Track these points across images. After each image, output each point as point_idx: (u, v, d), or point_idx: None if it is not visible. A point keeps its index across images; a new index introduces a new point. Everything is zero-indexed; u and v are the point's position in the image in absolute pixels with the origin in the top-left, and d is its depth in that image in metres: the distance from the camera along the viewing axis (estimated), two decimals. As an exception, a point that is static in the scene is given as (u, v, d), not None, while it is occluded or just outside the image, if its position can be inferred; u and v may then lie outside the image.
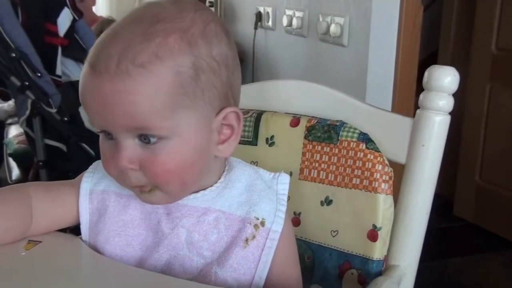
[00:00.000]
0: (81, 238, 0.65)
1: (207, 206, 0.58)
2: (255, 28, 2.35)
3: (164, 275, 0.56)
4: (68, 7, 1.93)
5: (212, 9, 2.12)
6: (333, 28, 1.77)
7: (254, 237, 0.57)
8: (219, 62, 0.54)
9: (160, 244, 0.59)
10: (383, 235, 0.69)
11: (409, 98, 1.69)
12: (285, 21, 2.11)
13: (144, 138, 0.52)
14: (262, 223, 0.58)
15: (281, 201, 0.60)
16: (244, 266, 0.57)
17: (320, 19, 1.86)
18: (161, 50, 0.50)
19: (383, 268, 0.70)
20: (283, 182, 0.62)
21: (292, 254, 0.62)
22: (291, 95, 0.78)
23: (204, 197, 0.59)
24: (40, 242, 0.65)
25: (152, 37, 0.51)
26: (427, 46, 3.16)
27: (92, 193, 0.63)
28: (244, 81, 1.98)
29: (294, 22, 2.04)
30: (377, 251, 0.69)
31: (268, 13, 2.28)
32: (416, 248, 0.71)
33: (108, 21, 2.98)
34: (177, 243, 0.58)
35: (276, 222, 0.58)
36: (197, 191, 0.59)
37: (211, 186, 0.59)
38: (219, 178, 0.60)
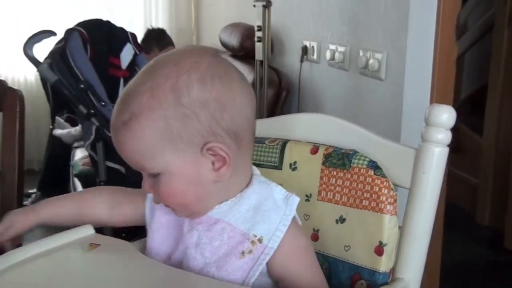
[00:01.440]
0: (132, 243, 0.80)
1: (219, 217, 0.71)
2: (301, 61, 2.49)
3: (205, 278, 0.69)
4: (130, 43, 2.14)
5: (260, 44, 2.27)
6: (371, 62, 1.89)
7: (250, 251, 0.68)
8: (192, 108, 0.65)
9: (179, 241, 0.72)
10: (388, 250, 0.79)
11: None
12: (328, 55, 2.24)
13: (151, 174, 0.69)
14: (260, 240, 0.68)
15: (284, 221, 0.70)
16: (237, 273, 0.68)
17: (360, 54, 1.98)
18: (136, 109, 0.65)
19: (389, 280, 0.80)
20: (292, 203, 0.72)
21: (298, 261, 0.71)
22: (312, 126, 0.91)
23: (219, 210, 0.71)
24: (99, 245, 0.79)
25: (133, 98, 0.66)
26: (477, 79, 3.20)
27: (151, 200, 0.78)
28: (290, 110, 2.12)
29: (337, 56, 2.16)
30: (383, 265, 0.79)
31: (313, 47, 2.42)
32: (419, 263, 0.81)
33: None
34: (189, 243, 0.71)
35: (273, 240, 0.68)
36: (220, 203, 0.72)
37: (227, 200, 0.71)
38: (237, 194, 0.72)
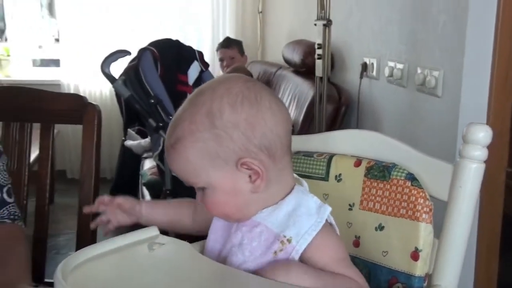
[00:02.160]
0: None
1: (260, 221, 0.79)
2: (361, 77, 2.54)
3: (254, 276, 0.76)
4: (197, 61, 2.28)
5: (320, 61, 2.35)
6: (429, 79, 1.92)
7: (281, 250, 0.76)
8: (225, 130, 0.75)
9: (228, 240, 0.82)
10: (424, 256, 0.85)
11: (501, 148, 1.77)
12: (387, 72, 2.29)
13: (198, 188, 0.79)
14: (289, 241, 0.76)
15: (315, 227, 0.76)
16: None
17: (418, 71, 2.02)
18: (180, 134, 0.77)
19: (425, 284, 0.86)
20: (324, 212, 0.78)
21: (323, 262, 0.76)
22: (356, 142, 0.98)
23: (260, 214, 0.79)
24: (163, 244, 0.89)
25: (178, 123, 0.78)
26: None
27: None
28: (349, 125, 2.19)
29: (395, 73, 2.21)
30: (419, 269, 0.85)
31: (372, 64, 2.47)
32: (455, 270, 0.86)
33: (239, 68, 3.35)
34: (234, 242, 0.80)
35: (301, 243, 0.75)
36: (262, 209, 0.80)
37: (268, 207, 0.80)
38: (277, 201, 0.80)
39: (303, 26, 3.44)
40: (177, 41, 2.36)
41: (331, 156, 0.99)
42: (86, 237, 1.28)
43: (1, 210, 1.09)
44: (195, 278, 0.78)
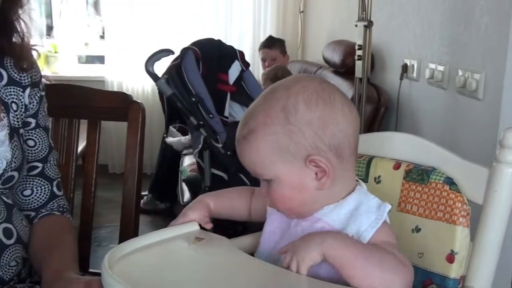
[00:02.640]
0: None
1: (320, 217, 0.81)
2: (401, 78, 2.53)
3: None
4: (238, 60, 2.31)
5: (360, 62, 2.36)
6: (470, 82, 1.90)
7: None
8: (298, 126, 0.77)
9: (286, 233, 0.84)
10: (459, 259, 0.86)
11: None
12: (427, 74, 2.27)
13: (264, 179, 0.82)
14: (353, 236, 0.78)
15: (374, 224, 0.79)
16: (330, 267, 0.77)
17: (459, 73, 2.00)
18: (253, 126, 0.79)
19: (460, 286, 0.87)
20: (384, 210, 0.81)
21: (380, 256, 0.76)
22: (396, 144, 1.00)
23: (322, 211, 0.82)
24: (203, 239, 0.92)
25: (251, 117, 0.81)
26: None
27: None
28: (388, 126, 2.19)
29: (436, 75, 2.19)
30: (454, 271, 0.87)
31: (413, 65, 2.46)
32: (488, 273, 0.87)
33: (280, 68, 3.37)
34: (294, 235, 0.82)
35: (362, 239, 0.78)
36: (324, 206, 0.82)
37: (330, 204, 0.82)
38: (339, 200, 0.82)
39: (344, 26, 3.44)
40: (219, 41, 2.41)
41: (370, 158, 1.00)
42: (128, 230, 1.33)
43: (51, 203, 1.15)
44: (232, 272, 0.80)
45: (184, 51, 2.17)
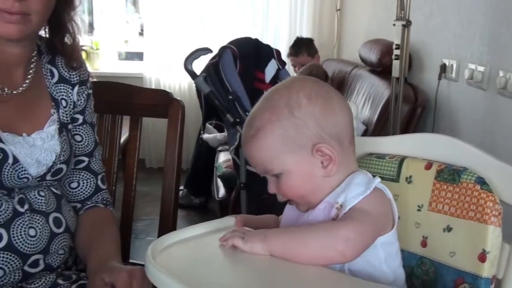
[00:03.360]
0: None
1: (322, 199, 0.87)
2: (439, 78, 2.52)
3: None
4: (274, 59, 2.35)
5: (397, 62, 2.35)
6: (511, 83, 1.88)
7: (337, 215, 0.83)
8: (303, 119, 0.84)
9: (299, 219, 0.90)
10: (491, 258, 0.87)
11: None
12: (467, 74, 2.26)
13: (273, 175, 0.86)
14: (341, 206, 0.83)
15: (358, 195, 0.82)
16: None
17: (500, 74, 1.98)
18: (260, 124, 0.85)
19: (492, 286, 0.88)
20: (372, 183, 0.84)
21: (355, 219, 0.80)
22: (428, 145, 1.01)
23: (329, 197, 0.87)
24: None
25: (257, 116, 0.86)
26: None
27: None
28: (425, 127, 2.18)
29: (476, 75, 2.17)
30: (486, 271, 0.87)
31: (452, 65, 2.44)
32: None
33: (314, 66, 3.39)
34: (304, 219, 0.88)
35: (346, 205, 0.82)
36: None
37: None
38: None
39: (381, 25, 3.42)
40: (256, 40, 2.44)
41: (402, 158, 1.02)
42: (167, 223, 1.38)
43: (96, 195, 1.21)
44: (267, 266, 0.83)
45: (222, 49, 2.22)
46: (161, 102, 1.41)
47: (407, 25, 2.27)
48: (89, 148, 1.20)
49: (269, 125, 0.85)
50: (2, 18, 0.98)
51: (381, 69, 2.98)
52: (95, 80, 1.30)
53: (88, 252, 1.09)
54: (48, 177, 1.07)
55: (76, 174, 1.19)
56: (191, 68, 2.06)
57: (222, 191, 2.82)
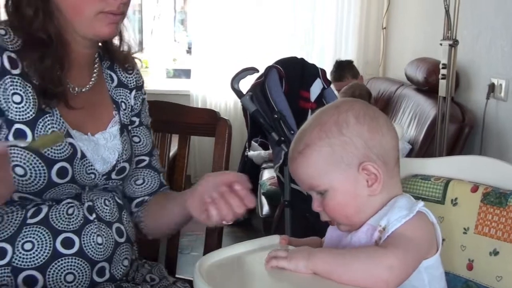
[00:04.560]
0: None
1: (364, 221, 0.88)
2: (487, 98, 2.48)
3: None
4: (320, 78, 2.37)
5: (444, 81, 2.33)
6: (561, 104, 1.85)
7: (380, 238, 0.83)
8: (351, 137, 0.86)
9: (342, 240, 0.91)
10: (539, 284, 0.87)
11: None
12: (516, 94, 2.22)
13: (319, 192, 0.87)
14: (384, 228, 0.83)
15: (401, 218, 0.82)
16: None
17: (550, 94, 1.94)
18: (308, 141, 0.87)
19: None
20: (415, 207, 0.85)
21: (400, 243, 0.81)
22: (474, 167, 1.01)
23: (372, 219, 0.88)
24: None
25: (306, 133, 0.89)
26: None
27: None
28: (472, 147, 2.15)
29: (525, 95, 2.14)
30: (534, 297, 0.87)
31: (501, 85, 2.40)
32: None
33: (357, 85, 3.39)
34: (347, 242, 0.89)
35: (389, 228, 0.83)
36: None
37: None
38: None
39: (428, 44, 3.39)
40: (302, 59, 2.47)
41: (448, 181, 1.02)
42: (212, 239, 1.41)
43: (161, 190, 1.26)
44: (312, 284, 0.84)
45: (268, 69, 2.26)
46: (208, 121, 1.46)
47: (454, 44, 2.26)
48: (148, 148, 1.27)
49: (318, 142, 0.87)
50: (106, 19, 1.05)
51: (427, 88, 2.96)
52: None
53: (167, 204, 1.18)
54: (114, 175, 1.13)
55: (140, 172, 1.25)
56: (237, 87, 2.10)
57: (266, 209, 2.84)
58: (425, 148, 2.64)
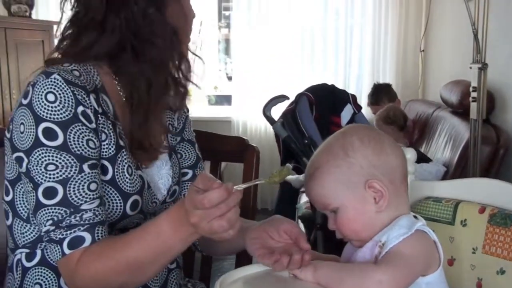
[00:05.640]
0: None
1: (373, 236, 0.93)
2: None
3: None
4: (350, 104, 2.43)
5: (474, 104, 2.35)
6: None
7: (380, 253, 0.89)
8: (356, 158, 0.93)
9: (352, 256, 0.97)
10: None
11: None
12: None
13: (331, 211, 0.94)
14: (383, 244, 0.89)
15: (399, 236, 0.88)
16: None
17: None
18: (318, 164, 0.95)
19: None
20: (414, 226, 0.90)
21: (393, 261, 0.87)
22: (482, 189, 1.06)
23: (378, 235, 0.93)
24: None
25: (316, 158, 0.97)
26: None
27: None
28: (508, 168, 2.15)
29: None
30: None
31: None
32: None
33: (391, 107, 3.42)
34: (355, 257, 0.95)
35: (387, 245, 0.88)
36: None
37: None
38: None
39: (463, 66, 3.40)
40: (332, 86, 2.55)
41: (458, 202, 1.07)
42: (243, 260, 1.48)
43: None
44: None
45: (299, 96, 2.34)
46: (237, 148, 1.54)
47: (483, 68, 2.28)
48: (191, 162, 1.29)
49: (326, 165, 0.95)
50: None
51: (462, 110, 2.97)
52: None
53: None
54: (168, 199, 1.19)
55: (185, 186, 1.27)
56: (269, 115, 2.19)
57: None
58: (459, 170, 2.65)
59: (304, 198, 3.23)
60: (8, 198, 1.10)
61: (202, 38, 4.65)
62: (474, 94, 2.35)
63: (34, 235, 1.08)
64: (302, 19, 4.44)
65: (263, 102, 2.24)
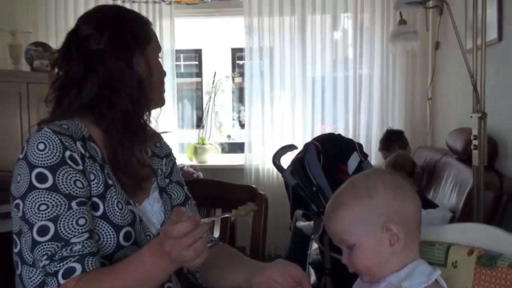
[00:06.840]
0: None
1: (384, 275, 1.02)
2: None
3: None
4: (357, 152, 2.53)
5: (476, 152, 2.44)
6: None
7: None
8: (378, 201, 1.02)
9: None
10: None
11: None
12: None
13: (348, 246, 1.03)
14: None
15: (421, 283, 0.97)
16: None
17: None
18: (342, 200, 1.04)
19: None
20: (432, 275, 0.99)
21: None
22: (472, 233, 1.15)
23: (391, 276, 1.02)
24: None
25: (340, 195, 1.07)
26: None
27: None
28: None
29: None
30: None
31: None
32: None
33: (400, 154, 3.51)
34: None
35: None
36: None
37: (398, 270, 1.02)
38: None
39: (467, 115, 3.48)
40: (339, 135, 2.66)
41: (449, 245, 1.16)
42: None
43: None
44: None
45: (307, 146, 2.45)
46: (247, 197, 1.65)
47: (482, 117, 2.38)
48: (180, 200, 1.44)
49: (350, 202, 1.04)
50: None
51: (466, 157, 3.05)
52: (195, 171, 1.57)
53: (231, 275, 1.29)
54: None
55: None
56: (279, 163, 2.30)
57: (312, 278, 2.94)
58: (465, 216, 2.71)
59: (315, 244, 3.29)
60: (16, 250, 1.22)
61: (217, 88, 4.84)
62: (475, 142, 2.44)
63: (40, 278, 1.18)
64: (312, 69, 4.60)
65: (274, 149, 2.36)
